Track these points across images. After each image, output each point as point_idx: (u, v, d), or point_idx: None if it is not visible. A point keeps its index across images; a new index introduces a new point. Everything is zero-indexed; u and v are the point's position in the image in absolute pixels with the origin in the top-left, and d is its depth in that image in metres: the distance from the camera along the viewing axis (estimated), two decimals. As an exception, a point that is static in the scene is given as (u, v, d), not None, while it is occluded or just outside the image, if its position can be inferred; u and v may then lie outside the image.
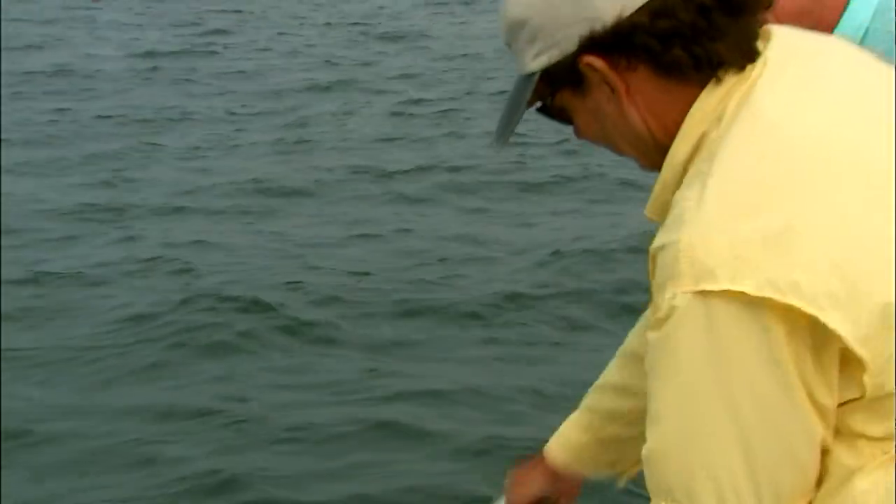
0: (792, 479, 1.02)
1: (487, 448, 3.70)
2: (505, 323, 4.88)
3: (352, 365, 4.49)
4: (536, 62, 1.14)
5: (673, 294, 0.98)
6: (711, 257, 0.97)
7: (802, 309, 0.94)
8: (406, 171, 7.43)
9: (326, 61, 11.81)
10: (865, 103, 1.09)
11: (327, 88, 10.37)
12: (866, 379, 0.97)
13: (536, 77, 1.14)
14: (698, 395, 1.00)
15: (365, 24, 14.16)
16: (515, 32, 1.15)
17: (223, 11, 15.03)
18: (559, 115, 1.20)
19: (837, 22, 1.83)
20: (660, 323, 1.00)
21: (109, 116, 9.16)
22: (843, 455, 1.03)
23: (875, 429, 1.01)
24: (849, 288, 0.95)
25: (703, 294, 0.97)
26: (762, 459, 1.00)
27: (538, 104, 1.19)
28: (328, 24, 14.52)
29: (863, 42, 1.83)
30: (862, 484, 1.02)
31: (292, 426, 3.95)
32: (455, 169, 7.50)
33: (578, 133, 1.21)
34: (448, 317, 4.92)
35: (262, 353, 4.62)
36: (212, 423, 4.00)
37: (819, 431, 1.00)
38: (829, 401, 0.99)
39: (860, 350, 0.96)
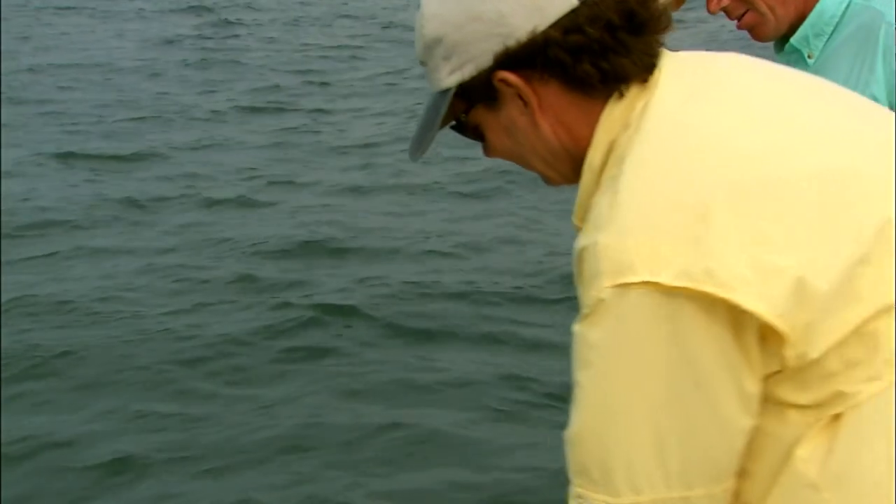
0: (702, 462, 1.06)
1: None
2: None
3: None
4: (452, 78, 1.17)
5: (598, 290, 1.03)
6: (629, 253, 1.02)
7: (718, 294, 0.99)
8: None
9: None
10: (755, 100, 1.16)
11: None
12: (787, 351, 1.02)
13: (452, 93, 1.18)
14: (616, 383, 1.06)
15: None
16: (431, 49, 1.18)
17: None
18: (473, 132, 1.23)
19: None
20: (585, 317, 1.05)
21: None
22: (775, 428, 1.08)
23: (803, 397, 1.06)
24: (760, 269, 1.00)
25: (624, 287, 1.01)
26: (673, 440, 1.05)
27: (452, 122, 1.22)
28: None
29: (845, 14, 1.95)
30: (801, 452, 1.06)
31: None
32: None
33: (488, 151, 1.25)
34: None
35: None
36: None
37: (735, 419, 1.05)
38: (754, 386, 1.04)
39: (779, 324, 1.00)
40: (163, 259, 5.49)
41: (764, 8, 1.96)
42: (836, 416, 1.05)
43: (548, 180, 1.26)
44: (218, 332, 4.54)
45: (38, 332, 4.56)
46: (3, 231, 5.75)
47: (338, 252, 5.58)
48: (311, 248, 5.63)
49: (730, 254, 1.00)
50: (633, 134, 1.11)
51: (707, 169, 1.05)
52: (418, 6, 1.20)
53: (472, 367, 4.26)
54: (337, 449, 3.61)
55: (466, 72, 1.15)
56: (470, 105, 1.19)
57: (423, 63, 1.21)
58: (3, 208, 6.06)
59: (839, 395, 1.04)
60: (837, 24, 1.96)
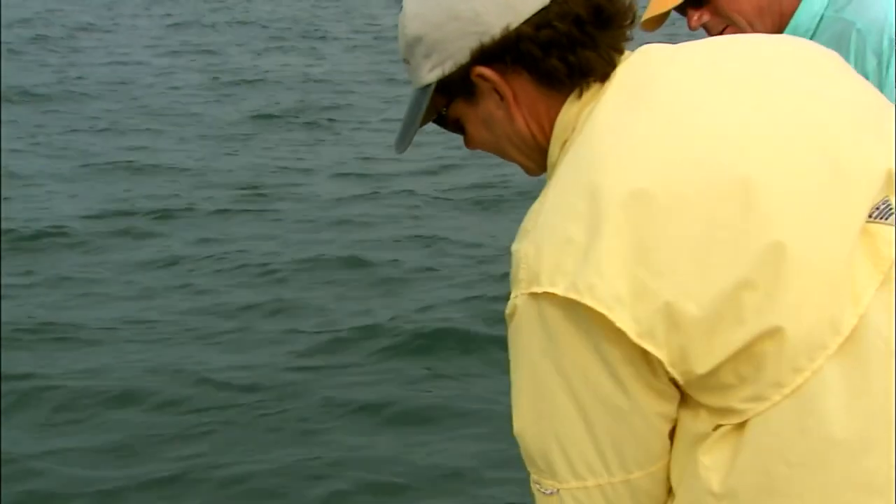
0: (634, 448, 1.13)
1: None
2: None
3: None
4: (432, 74, 1.26)
5: (515, 295, 1.12)
6: (538, 264, 1.10)
7: (595, 308, 1.06)
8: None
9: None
10: (683, 107, 1.16)
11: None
12: (669, 368, 1.08)
13: (432, 88, 1.27)
14: (542, 381, 1.13)
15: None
16: (413, 48, 1.27)
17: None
18: (453, 125, 1.32)
19: (794, 13, 2.04)
20: (509, 319, 1.15)
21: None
22: (688, 422, 1.14)
23: (711, 400, 1.11)
24: (635, 290, 1.06)
25: (534, 295, 1.10)
26: (603, 432, 1.12)
27: (434, 116, 1.31)
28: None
29: (818, 27, 2.04)
30: (705, 460, 1.11)
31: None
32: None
33: (469, 142, 1.34)
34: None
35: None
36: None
37: (651, 407, 1.11)
38: (660, 383, 1.10)
39: (643, 343, 1.06)
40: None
41: (743, 23, 2.00)
42: (739, 427, 1.09)
43: (527, 170, 1.34)
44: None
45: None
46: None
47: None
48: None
49: (613, 271, 1.06)
50: (574, 138, 1.19)
51: (613, 182, 1.09)
52: (401, 7, 1.29)
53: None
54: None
55: (446, 68, 1.24)
56: (450, 99, 1.27)
57: (405, 61, 1.30)
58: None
59: (731, 410, 1.09)
60: (812, 37, 2.01)
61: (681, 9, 2.05)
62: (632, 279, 1.05)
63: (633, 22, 1.24)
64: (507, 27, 1.19)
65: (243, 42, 16.04)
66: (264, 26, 17.74)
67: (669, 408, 1.12)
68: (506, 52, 1.20)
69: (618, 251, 1.06)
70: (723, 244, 1.06)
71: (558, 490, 1.16)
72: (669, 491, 1.17)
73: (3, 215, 6.83)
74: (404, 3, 1.28)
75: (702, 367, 1.07)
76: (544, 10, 1.19)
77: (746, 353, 1.06)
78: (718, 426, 1.10)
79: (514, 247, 1.15)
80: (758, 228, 1.06)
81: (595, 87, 1.21)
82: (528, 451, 1.18)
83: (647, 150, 1.11)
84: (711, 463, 1.10)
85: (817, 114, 1.17)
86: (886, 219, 1.11)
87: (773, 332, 1.05)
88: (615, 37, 1.22)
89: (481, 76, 1.22)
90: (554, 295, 1.08)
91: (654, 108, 1.16)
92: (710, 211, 1.07)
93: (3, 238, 6.40)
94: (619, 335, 1.06)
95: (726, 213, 1.07)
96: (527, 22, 1.19)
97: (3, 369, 4.56)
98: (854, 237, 1.09)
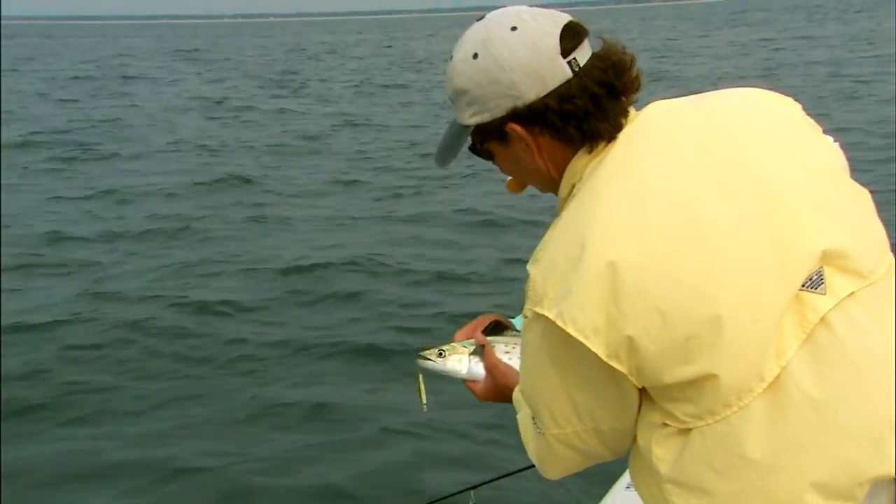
0: (602, 411, 1.49)
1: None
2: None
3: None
4: (472, 119, 1.56)
5: (527, 309, 1.47)
6: (540, 290, 1.43)
7: (578, 339, 1.38)
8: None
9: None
10: (694, 171, 1.44)
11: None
12: (632, 379, 1.41)
13: (471, 129, 1.57)
14: (541, 368, 1.50)
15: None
16: (458, 97, 1.56)
17: None
18: (484, 154, 1.62)
19: None
20: (523, 320, 1.51)
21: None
22: (647, 410, 1.47)
23: (662, 403, 1.43)
24: (608, 322, 1.37)
25: (537, 314, 1.44)
26: (580, 401, 1.49)
27: (469, 144, 1.61)
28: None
29: None
30: (657, 451, 1.44)
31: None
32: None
33: (497, 165, 1.64)
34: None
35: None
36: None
37: (616, 391, 1.45)
38: (624, 381, 1.43)
39: (612, 363, 1.39)
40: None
41: None
42: (683, 433, 1.41)
43: (540, 190, 1.66)
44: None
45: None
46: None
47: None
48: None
49: (592, 308, 1.36)
50: (581, 186, 1.49)
51: (596, 249, 1.37)
52: (450, 57, 1.55)
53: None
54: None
55: (485, 118, 1.54)
56: (484, 139, 1.58)
57: (450, 100, 1.59)
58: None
59: (676, 418, 1.41)
60: None
61: None
62: (606, 315, 1.36)
63: (637, 89, 1.53)
64: (537, 96, 1.48)
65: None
66: None
67: (632, 393, 1.45)
68: (535, 119, 1.50)
69: (597, 293, 1.36)
70: (678, 305, 1.35)
71: (544, 434, 1.54)
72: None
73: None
74: (454, 55, 1.55)
75: (655, 382, 1.40)
76: (567, 82, 1.47)
77: (690, 383, 1.37)
78: (666, 424, 1.43)
79: (528, 267, 1.47)
80: (705, 303, 1.35)
81: (602, 144, 1.51)
82: (527, 402, 1.58)
83: (624, 229, 1.39)
84: (662, 454, 1.44)
85: (778, 192, 1.43)
86: (816, 288, 1.39)
87: (712, 377, 1.35)
88: (622, 106, 1.52)
89: (514, 130, 1.52)
90: (548, 319, 1.40)
91: (638, 181, 1.44)
92: (671, 282, 1.35)
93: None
94: (593, 354, 1.39)
95: (683, 284, 1.35)
96: (552, 93, 1.48)
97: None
98: (785, 304, 1.37)
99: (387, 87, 27.45)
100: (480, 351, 1.85)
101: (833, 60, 26.75)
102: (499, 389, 1.84)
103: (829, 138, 1.59)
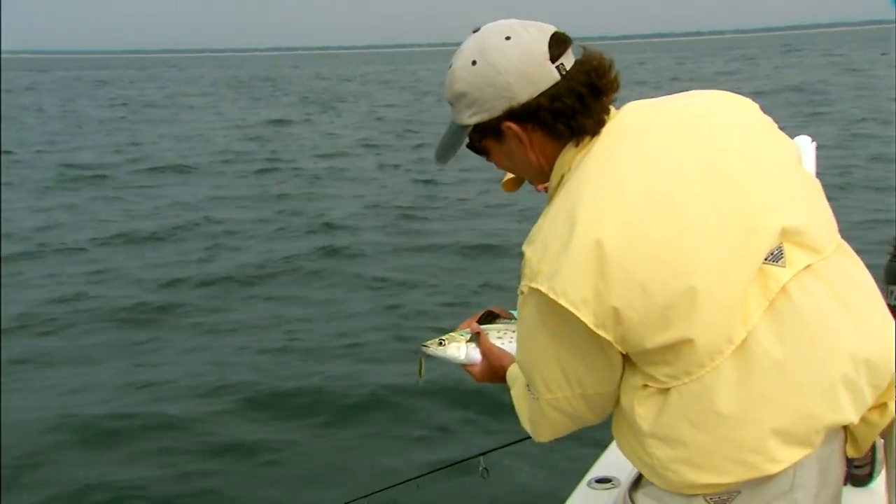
0: (589, 378, 1.66)
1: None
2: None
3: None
4: (471, 119, 1.72)
5: (523, 285, 1.64)
6: (535, 267, 1.61)
7: (569, 309, 1.56)
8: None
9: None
10: (668, 160, 1.62)
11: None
12: (617, 346, 1.60)
13: (469, 128, 1.73)
14: (533, 337, 1.68)
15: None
16: (458, 99, 1.72)
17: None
18: (481, 151, 1.79)
19: None
20: (518, 298, 1.68)
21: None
22: (629, 375, 1.66)
23: (643, 367, 1.62)
24: (595, 295, 1.54)
25: (531, 289, 1.62)
26: (570, 367, 1.66)
27: (467, 142, 1.77)
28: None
29: None
30: (640, 409, 1.63)
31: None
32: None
33: (492, 161, 1.81)
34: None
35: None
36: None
37: (605, 359, 1.63)
38: (610, 349, 1.61)
39: (600, 332, 1.57)
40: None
41: None
42: (662, 392, 1.60)
43: (532, 183, 1.84)
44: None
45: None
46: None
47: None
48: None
49: (581, 282, 1.55)
50: (570, 176, 1.67)
51: (583, 228, 1.55)
52: (450, 65, 1.72)
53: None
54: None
55: (483, 117, 1.70)
56: (482, 137, 1.74)
57: (450, 103, 1.75)
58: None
59: (656, 379, 1.59)
60: None
61: None
62: (593, 288, 1.54)
63: (616, 90, 1.70)
64: (530, 96, 1.65)
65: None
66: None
67: (616, 360, 1.64)
68: (528, 117, 1.67)
69: (585, 269, 1.55)
70: (657, 278, 1.53)
71: (538, 399, 1.72)
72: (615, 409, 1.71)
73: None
74: (453, 63, 1.72)
75: (637, 348, 1.58)
76: (556, 85, 1.64)
77: (669, 347, 1.55)
78: (647, 386, 1.61)
79: (523, 248, 1.64)
80: (680, 276, 1.53)
81: (587, 138, 1.68)
82: (522, 372, 1.77)
83: (608, 213, 1.57)
84: (643, 413, 1.63)
85: (741, 177, 1.62)
86: (777, 261, 1.58)
87: (687, 341, 1.54)
88: (604, 104, 1.69)
89: (509, 128, 1.69)
90: (542, 292, 1.58)
91: (619, 169, 1.62)
92: (652, 255, 1.53)
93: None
94: (583, 323, 1.57)
95: (663, 259, 1.53)
96: (544, 94, 1.65)
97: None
98: (750, 276, 1.55)
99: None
100: (476, 338, 2.06)
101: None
102: (494, 370, 2.04)
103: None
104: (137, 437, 5.41)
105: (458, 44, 1.74)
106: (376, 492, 2.80)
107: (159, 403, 5.89)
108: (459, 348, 2.07)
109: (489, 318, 2.11)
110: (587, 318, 1.56)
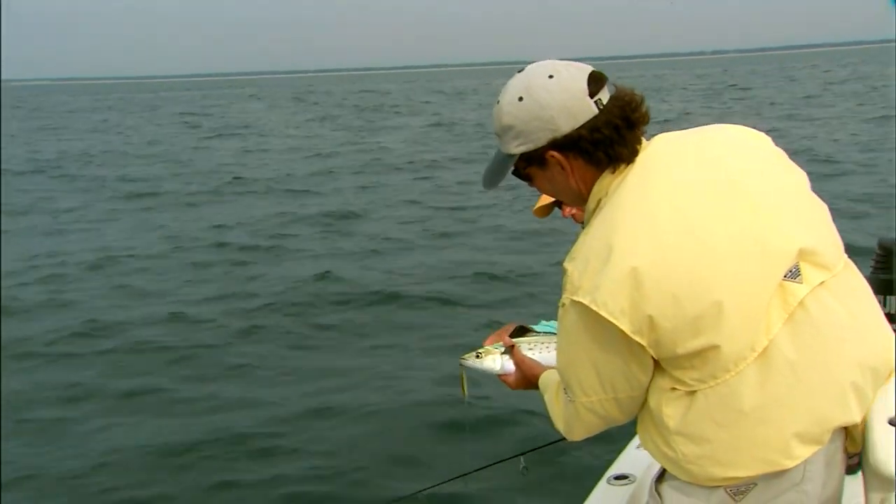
0: (622, 382, 1.82)
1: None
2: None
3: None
4: (518, 149, 1.89)
5: (564, 297, 1.81)
6: (576, 282, 1.78)
7: (607, 318, 1.73)
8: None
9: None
10: (696, 189, 1.79)
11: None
12: (651, 351, 1.76)
13: (516, 157, 1.90)
14: (575, 347, 1.84)
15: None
16: (505, 132, 1.89)
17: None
18: (525, 177, 1.96)
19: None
20: (560, 310, 1.84)
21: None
22: (658, 378, 1.82)
23: (673, 371, 1.78)
24: (632, 305, 1.71)
25: (573, 301, 1.78)
26: (605, 373, 1.82)
27: (512, 170, 1.94)
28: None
29: None
30: (667, 409, 1.80)
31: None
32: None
33: (535, 186, 1.98)
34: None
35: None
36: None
37: (637, 365, 1.79)
38: (643, 354, 1.77)
39: (636, 338, 1.74)
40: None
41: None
42: (689, 394, 1.76)
43: (571, 205, 2.03)
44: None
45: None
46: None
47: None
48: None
49: (619, 295, 1.71)
50: (607, 201, 1.83)
51: (620, 254, 1.72)
52: (497, 101, 1.90)
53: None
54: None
55: (528, 147, 1.87)
56: (527, 165, 1.91)
57: (497, 135, 1.92)
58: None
59: (684, 382, 1.76)
60: None
61: (557, 203, 2.52)
62: (630, 300, 1.71)
63: (646, 122, 1.87)
64: (572, 127, 1.82)
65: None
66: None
67: (647, 366, 1.80)
68: (570, 146, 1.84)
69: (622, 285, 1.72)
70: (687, 293, 1.70)
71: (574, 401, 1.88)
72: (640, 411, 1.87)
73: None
74: (501, 100, 1.89)
75: (668, 353, 1.74)
76: (595, 118, 1.82)
77: (697, 353, 1.72)
78: (675, 388, 1.77)
79: (565, 265, 1.81)
80: (708, 290, 1.71)
81: (623, 165, 1.85)
82: (561, 377, 1.94)
83: (643, 237, 1.74)
84: (671, 413, 1.79)
85: (760, 204, 1.80)
86: (795, 278, 1.76)
87: (714, 347, 1.71)
88: (637, 135, 1.86)
89: (553, 157, 1.86)
90: (581, 303, 1.75)
91: (651, 197, 1.79)
92: (682, 277, 1.71)
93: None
94: (621, 330, 1.74)
95: (691, 279, 1.71)
96: (584, 126, 1.82)
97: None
98: (771, 291, 1.73)
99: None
100: (509, 351, 2.26)
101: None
102: (527, 379, 2.23)
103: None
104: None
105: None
106: (428, 488, 3.03)
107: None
108: (495, 360, 2.27)
109: (520, 332, 2.30)
110: (625, 326, 1.73)
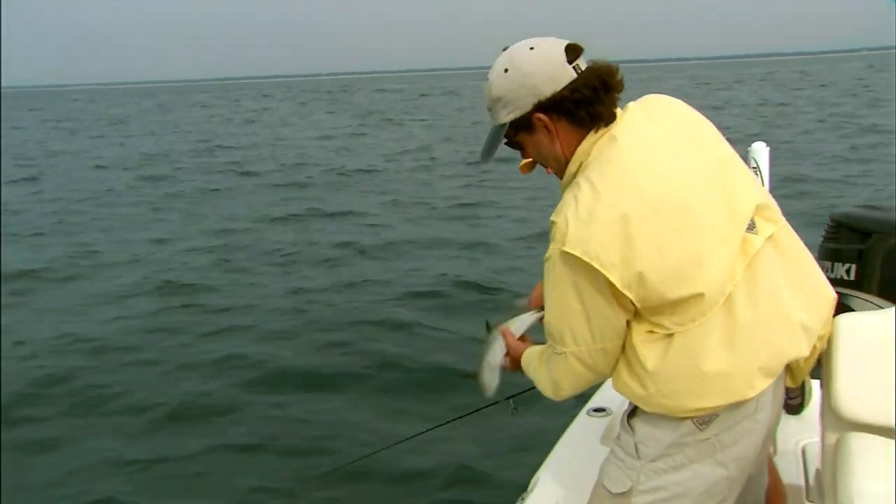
0: (610, 331, 1.98)
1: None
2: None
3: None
4: (507, 117, 2.07)
5: (552, 249, 1.95)
6: (566, 233, 1.90)
7: (598, 269, 1.89)
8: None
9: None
10: (670, 146, 1.97)
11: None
12: (634, 301, 1.92)
13: (507, 125, 2.08)
14: (564, 296, 1.98)
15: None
16: (495, 103, 2.07)
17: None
18: (516, 145, 2.13)
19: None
20: (547, 260, 1.98)
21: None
22: (636, 325, 1.99)
23: (653, 318, 1.95)
24: (624, 261, 1.87)
25: (562, 252, 1.92)
26: (594, 323, 1.97)
27: (505, 140, 2.11)
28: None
29: None
30: (644, 351, 1.98)
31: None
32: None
33: (524, 155, 2.16)
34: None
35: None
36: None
37: (621, 312, 1.96)
38: (628, 304, 1.94)
39: (624, 291, 1.90)
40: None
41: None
42: (667, 336, 1.94)
43: (553, 172, 2.14)
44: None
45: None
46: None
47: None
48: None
49: (611, 247, 1.86)
50: (591, 161, 2.00)
51: (607, 202, 1.88)
52: (486, 78, 2.07)
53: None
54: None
55: (516, 114, 2.04)
56: (517, 132, 2.08)
57: (489, 109, 2.10)
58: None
59: (662, 326, 1.95)
60: None
61: None
62: (621, 254, 1.87)
63: (621, 90, 2.05)
64: (554, 90, 2.00)
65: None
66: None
67: (629, 314, 1.97)
68: (554, 107, 2.01)
69: (613, 237, 1.87)
70: (672, 245, 1.88)
71: (564, 352, 2.02)
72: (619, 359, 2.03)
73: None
74: (489, 76, 2.07)
75: (654, 303, 1.92)
76: (574, 81, 2.00)
77: (681, 300, 1.91)
78: (652, 332, 1.95)
79: (552, 217, 1.95)
80: (689, 241, 1.89)
81: (603, 128, 2.02)
82: (550, 330, 2.04)
83: (628, 185, 1.90)
84: (648, 354, 1.97)
85: (723, 164, 2.02)
86: (752, 230, 1.97)
87: (698, 295, 1.90)
88: (613, 99, 2.05)
89: (539, 119, 2.03)
90: (571, 254, 1.90)
91: (633, 153, 1.95)
92: (666, 226, 1.88)
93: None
94: (610, 282, 1.90)
95: (675, 228, 1.89)
96: (565, 88, 2.00)
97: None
98: (738, 241, 1.94)
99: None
100: (503, 338, 2.43)
101: None
102: (514, 361, 2.39)
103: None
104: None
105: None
106: (428, 429, 3.28)
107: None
108: (494, 355, 2.45)
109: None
110: (616, 280, 1.88)
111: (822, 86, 53.77)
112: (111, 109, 68.38)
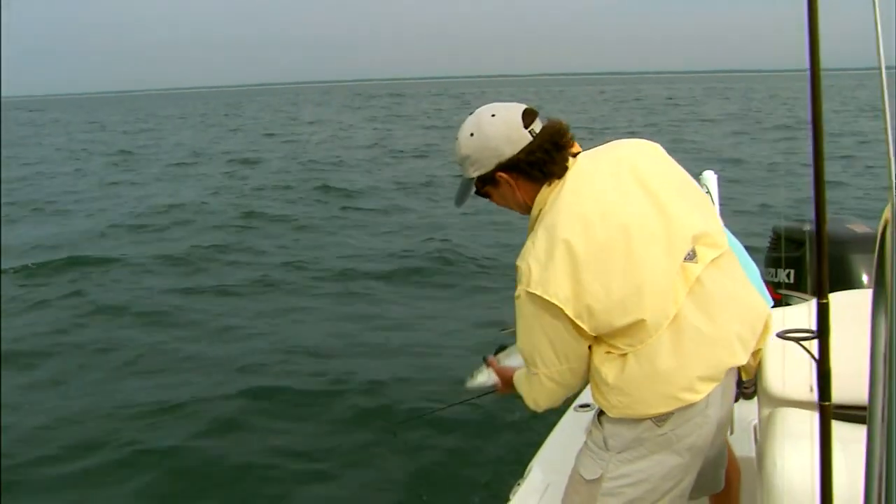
0: (573, 355, 2.27)
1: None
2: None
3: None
4: (475, 173, 2.39)
5: (518, 289, 2.25)
6: (529, 276, 2.20)
7: (556, 304, 2.18)
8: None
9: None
10: (613, 186, 2.25)
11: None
12: (588, 330, 2.21)
13: (474, 180, 2.41)
14: (533, 328, 2.27)
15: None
16: (465, 161, 2.39)
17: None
18: (485, 195, 2.45)
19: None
20: (517, 298, 2.27)
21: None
22: (596, 347, 2.28)
23: (609, 340, 2.24)
24: (574, 294, 2.15)
25: (526, 292, 2.21)
26: (559, 349, 2.27)
27: (474, 191, 2.44)
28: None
29: None
30: (604, 369, 2.28)
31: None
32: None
33: (494, 202, 2.46)
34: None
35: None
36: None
37: (580, 340, 2.25)
38: (585, 332, 2.23)
39: (577, 321, 2.18)
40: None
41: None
42: (622, 356, 2.24)
43: (521, 213, 2.44)
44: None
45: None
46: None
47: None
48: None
49: (564, 286, 2.15)
50: (546, 210, 2.30)
51: (568, 237, 2.16)
52: (456, 138, 2.39)
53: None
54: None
55: (482, 171, 2.37)
56: (483, 185, 2.41)
57: (459, 164, 2.42)
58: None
59: (617, 347, 2.25)
60: None
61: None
62: (573, 290, 2.16)
63: (571, 146, 2.36)
64: (512, 153, 2.32)
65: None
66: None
67: (589, 341, 2.25)
68: (512, 167, 2.33)
69: (564, 277, 2.16)
70: (613, 282, 2.17)
71: (537, 373, 2.32)
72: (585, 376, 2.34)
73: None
74: (458, 136, 2.39)
75: (605, 330, 2.22)
76: (530, 144, 2.31)
77: (627, 326, 2.21)
78: (609, 352, 2.26)
79: (518, 263, 2.24)
80: (630, 275, 2.17)
81: (556, 181, 2.33)
82: (524, 355, 2.36)
83: (575, 221, 2.18)
84: (607, 371, 2.26)
85: (663, 199, 2.28)
86: (692, 259, 2.27)
87: (640, 321, 2.20)
88: (565, 155, 2.35)
89: (501, 177, 2.36)
90: (533, 293, 2.20)
91: (581, 201, 2.23)
92: (610, 263, 2.16)
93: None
94: (566, 315, 2.19)
95: (617, 264, 2.17)
96: (521, 151, 2.32)
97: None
98: (676, 271, 2.23)
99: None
100: (491, 366, 2.82)
101: None
102: (506, 382, 2.73)
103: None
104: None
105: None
106: (429, 412, 3.66)
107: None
108: (485, 375, 2.83)
109: (500, 350, 2.84)
110: (570, 312, 2.18)
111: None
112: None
